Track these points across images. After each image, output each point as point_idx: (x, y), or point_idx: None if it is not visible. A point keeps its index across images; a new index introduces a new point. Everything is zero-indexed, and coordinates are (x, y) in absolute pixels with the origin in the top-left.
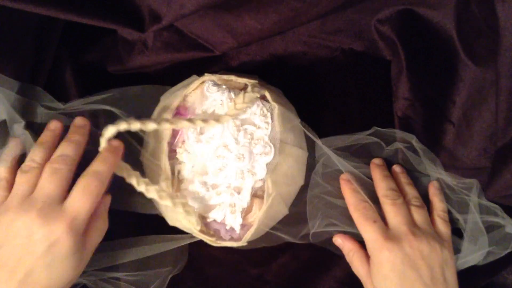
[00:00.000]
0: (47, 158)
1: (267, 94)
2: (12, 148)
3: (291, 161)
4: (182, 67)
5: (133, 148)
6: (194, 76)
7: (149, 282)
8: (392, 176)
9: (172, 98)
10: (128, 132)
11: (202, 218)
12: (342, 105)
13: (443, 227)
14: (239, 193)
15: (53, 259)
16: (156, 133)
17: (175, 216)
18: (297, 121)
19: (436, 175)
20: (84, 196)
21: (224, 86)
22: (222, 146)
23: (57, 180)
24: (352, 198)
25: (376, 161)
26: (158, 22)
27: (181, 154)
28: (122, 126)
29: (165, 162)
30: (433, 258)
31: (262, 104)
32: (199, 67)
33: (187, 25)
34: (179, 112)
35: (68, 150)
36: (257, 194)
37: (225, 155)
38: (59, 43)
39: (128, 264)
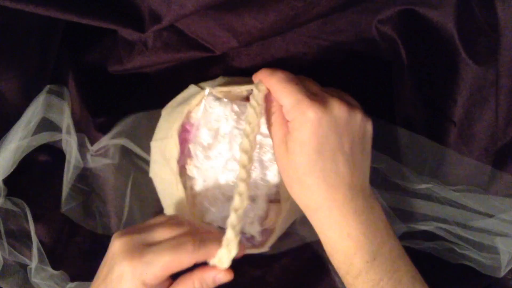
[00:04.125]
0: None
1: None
2: None
3: None
4: (182, 67)
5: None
6: (192, 87)
7: None
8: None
9: (175, 115)
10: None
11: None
12: None
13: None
14: (254, 202)
15: None
16: (164, 152)
17: None
18: None
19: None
20: None
21: (225, 100)
22: (232, 159)
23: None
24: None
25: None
26: (158, 22)
27: (191, 171)
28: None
29: (177, 181)
30: (356, 126)
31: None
32: (199, 68)
33: (187, 25)
34: (185, 129)
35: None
36: (272, 200)
37: (236, 168)
38: (60, 43)
39: None
